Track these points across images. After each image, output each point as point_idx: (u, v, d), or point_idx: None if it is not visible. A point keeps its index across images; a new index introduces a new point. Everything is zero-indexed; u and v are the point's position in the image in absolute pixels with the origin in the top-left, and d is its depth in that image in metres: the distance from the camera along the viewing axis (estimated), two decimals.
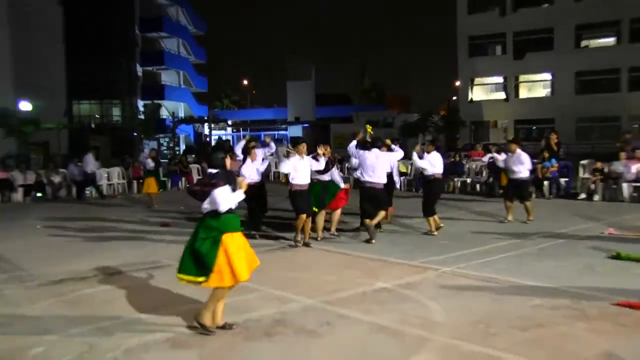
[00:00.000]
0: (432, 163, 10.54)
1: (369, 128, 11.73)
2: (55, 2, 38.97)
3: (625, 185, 14.96)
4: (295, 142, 9.88)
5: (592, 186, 15.59)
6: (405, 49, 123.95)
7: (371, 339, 5.14)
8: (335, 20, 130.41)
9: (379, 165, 9.88)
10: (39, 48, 37.10)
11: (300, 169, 9.49)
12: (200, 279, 5.24)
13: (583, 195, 15.70)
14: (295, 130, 51.02)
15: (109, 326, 5.57)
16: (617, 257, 8.08)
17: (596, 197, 15.27)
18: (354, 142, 10.42)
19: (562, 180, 16.46)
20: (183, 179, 22.50)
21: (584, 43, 39.39)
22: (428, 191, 10.98)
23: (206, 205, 5.35)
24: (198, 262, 5.25)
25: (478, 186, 18.01)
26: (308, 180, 9.65)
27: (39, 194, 19.58)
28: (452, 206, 14.14)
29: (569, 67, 38.09)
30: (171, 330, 5.40)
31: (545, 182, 16.15)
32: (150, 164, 16.38)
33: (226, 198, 5.34)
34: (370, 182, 9.84)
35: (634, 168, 15.07)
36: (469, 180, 18.52)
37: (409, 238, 10.29)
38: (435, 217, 10.56)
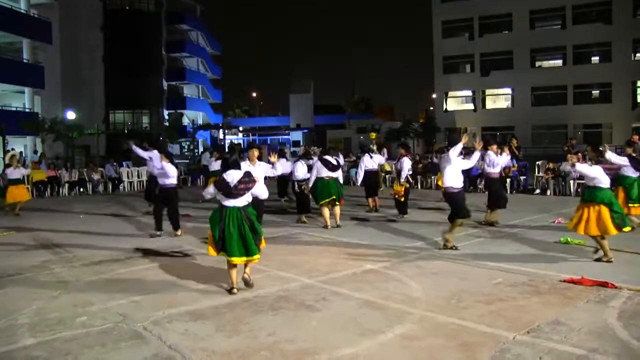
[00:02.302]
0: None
1: (372, 135, 11.60)
2: (97, 29, 38.98)
3: (571, 182, 14.99)
4: (249, 146, 8.75)
5: (545, 183, 15.62)
6: (392, 65, 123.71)
7: (360, 312, 5.12)
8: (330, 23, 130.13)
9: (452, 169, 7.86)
10: (83, 67, 37.12)
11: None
12: (258, 255, 5.78)
13: (538, 191, 15.72)
14: (297, 135, 50.97)
15: (139, 300, 5.56)
16: (564, 242, 8.14)
17: (548, 192, 15.30)
18: (459, 147, 7.78)
19: (522, 177, 16.47)
20: (201, 176, 22.40)
21: (537, 63, 39.52)
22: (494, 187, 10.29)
23: (248, 197, 5.78)
24: (256, 242, 5.69)
25: None
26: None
27: (81, 189, 19.52)
28: (431, 199, 14.15)
29: (526, 84, 38.20)
30: (191, 304, 5.39)
31: (508, 180, 16.14)
32: (215, 165, 13.88)
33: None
34: (447, 187, 7.87)
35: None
36: None
37: (394, 226, 10.27)
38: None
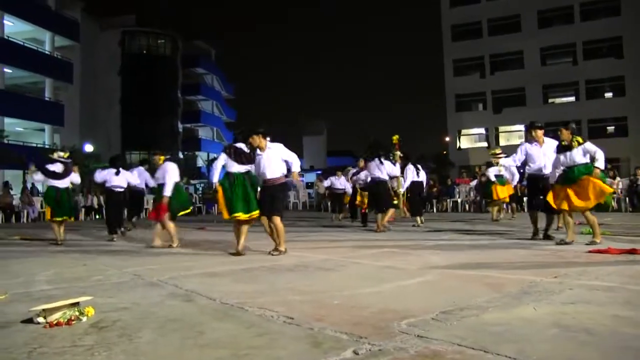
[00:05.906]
0: None
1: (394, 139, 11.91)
2: (116, 72, 40.32)
3: None
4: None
5: None
6: (405, 105, 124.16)
7: (381, 270, 5.05)
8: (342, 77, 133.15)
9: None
10: (100, 107, 38.15)
11: None
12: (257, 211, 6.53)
13: None
14: (310, 177, 51.22)
15: (156, 268, 5.53)
16: (587, 232, 8.05)
17: None
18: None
19: None
20: (215, 205, 22.76)
21: (550, 100, 39.71)
22: None
23: (248, 167, 6.73)
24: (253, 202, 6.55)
25: (467, 205, 17.87)
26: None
27: (97, 216, 19.71)
28: (447, 219, 14.04)
29: (539, 120, 37.38)
30: (208, 269, 5.36)
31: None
32: None
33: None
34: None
35: None
36: (459, 200, 18.38)
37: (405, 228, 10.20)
38: None
